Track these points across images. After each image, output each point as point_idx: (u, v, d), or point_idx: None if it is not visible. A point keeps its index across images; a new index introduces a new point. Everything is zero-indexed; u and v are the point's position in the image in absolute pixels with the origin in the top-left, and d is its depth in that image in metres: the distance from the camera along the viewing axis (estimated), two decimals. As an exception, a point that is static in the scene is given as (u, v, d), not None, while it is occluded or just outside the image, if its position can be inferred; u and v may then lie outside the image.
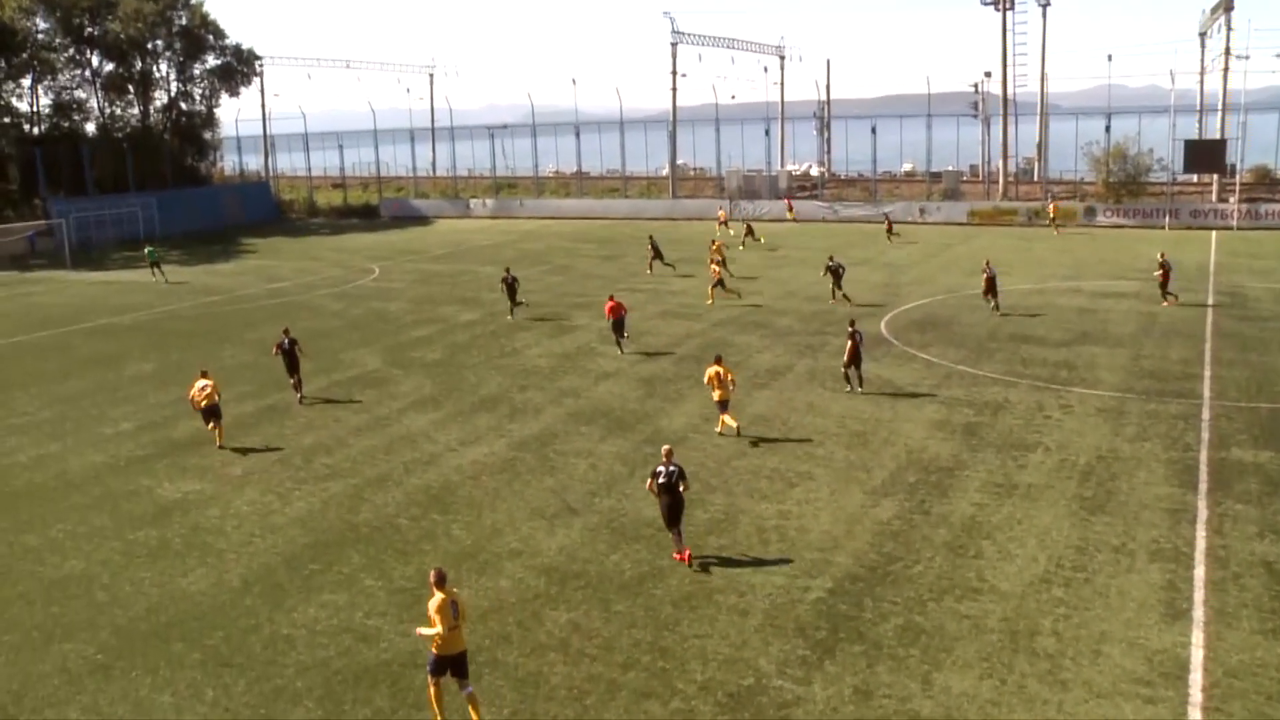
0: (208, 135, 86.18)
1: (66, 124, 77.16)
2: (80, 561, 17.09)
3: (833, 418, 23.45)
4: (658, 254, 46.70)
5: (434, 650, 12.09)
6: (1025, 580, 15.23)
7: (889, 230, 56.41)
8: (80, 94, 78.35)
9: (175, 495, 20.11)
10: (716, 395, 22.14)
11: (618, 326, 30.67)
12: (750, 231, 55.62)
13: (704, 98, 75.48)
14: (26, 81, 75.51)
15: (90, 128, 79.47)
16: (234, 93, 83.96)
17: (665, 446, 16.83)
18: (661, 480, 16.07)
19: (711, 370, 22.20)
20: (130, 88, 79.63)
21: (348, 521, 18.41)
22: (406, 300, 41.71)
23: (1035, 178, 71.99)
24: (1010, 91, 68.08)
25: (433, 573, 12.21)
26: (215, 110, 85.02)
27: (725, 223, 61.83)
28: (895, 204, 65.71)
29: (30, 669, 13.83)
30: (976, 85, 75.02)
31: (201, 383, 23.04)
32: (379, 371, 29.69)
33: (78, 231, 65.99)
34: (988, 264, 35.87)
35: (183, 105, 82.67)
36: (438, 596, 12.01)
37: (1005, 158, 67.91)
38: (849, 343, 25.10)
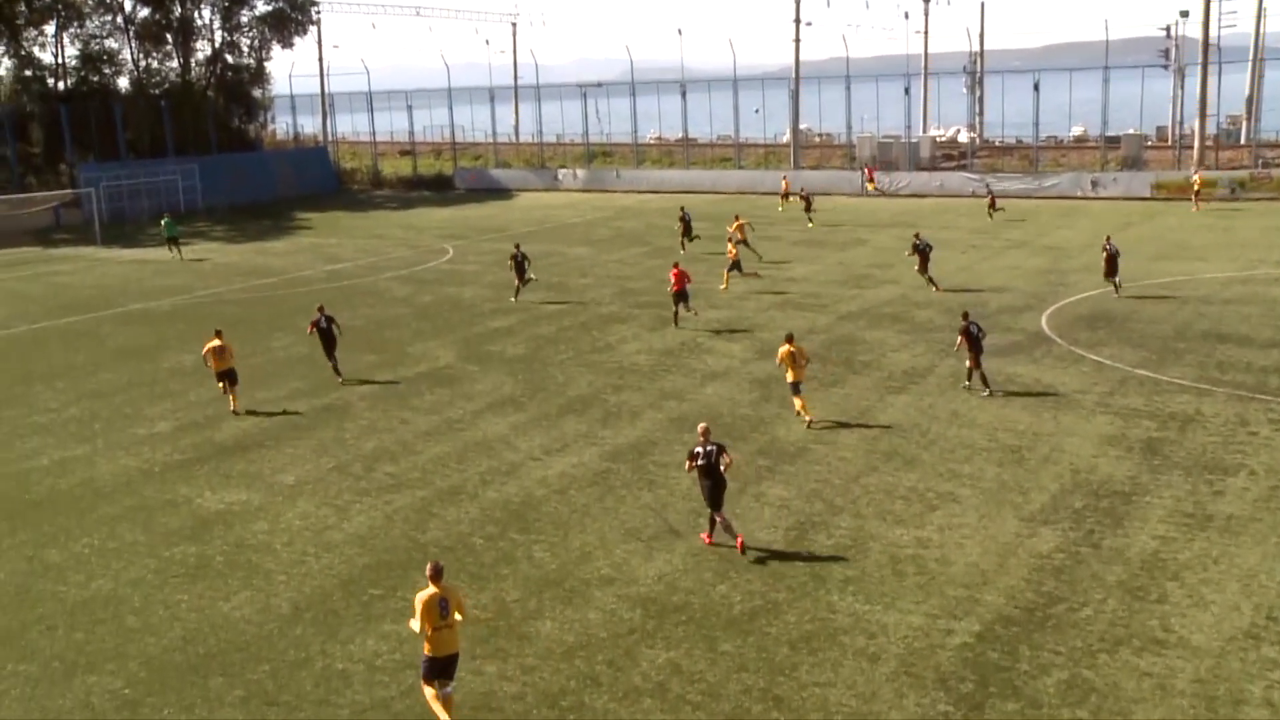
0: (257, 93, 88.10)
1: (96, 78, 79.65)
2: (108, 581, 17.70)
3: (981, 429, 23.04)
4: (688, 229, 48.12)
5: (425, 652, 13.07)
6: (1225, 634, 14.72)
7: (991, 205, 56.36)
8: (111, 44, 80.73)
9: (217, 506, 20.70)
10: (790, 376, 23.78)
11: (681, 297, 33.16)
12: (809, 205, 56.53)
13: (832, 50, 74.98)
14: (50, 29, 78.32)
15: (123, 83, 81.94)
16: (287, 43, 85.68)
17: (702, 425, 18.20)
18: (701, 462, 17.51)
19: (784, 349, 23.85)
20: (168, 37, 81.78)
21: (414, 540, 18.72)
22: (484, 285, 42.29)
23: (1243, 139, 69.64)
24: (1214, 34, 65.72)
25: (430, 565, 13.26)
26: (265, 64, 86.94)
27: (788, 195, 63.01)
28: (1061, 176, 64.28)
29: (49, 704, 14.31)
30: (1169, 29, 72.93)
31: (215, 343, 26.24)
32: (452, 367, 30.13)
33: (108, 202, 68.41)
34: (1109, 240, 36.55)
35: (228, 58, 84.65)
36: (428, 591, 13.01)
37: (1203, 117, 65.72)
38: (960, 338, 25.71)
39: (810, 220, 55.53)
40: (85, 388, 29.63)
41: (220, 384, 26.70)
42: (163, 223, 54.66)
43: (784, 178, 66.60)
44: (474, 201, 74.73)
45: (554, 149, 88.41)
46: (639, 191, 74.73)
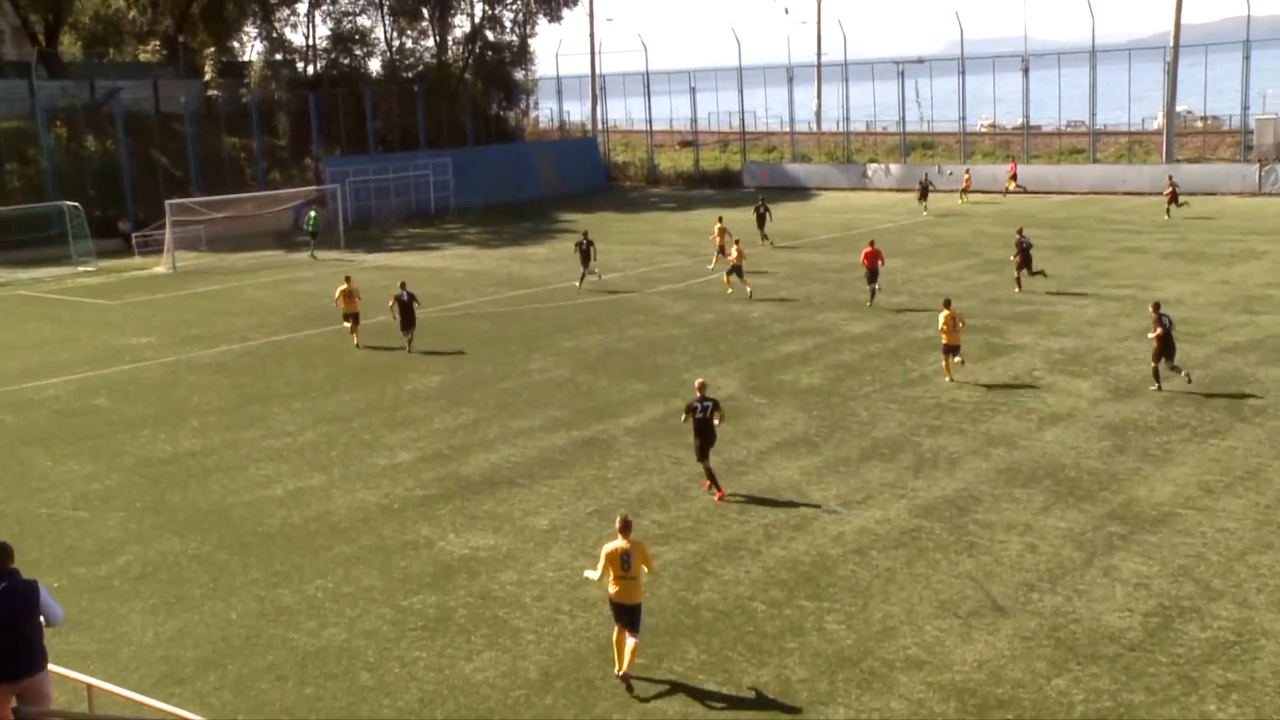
0: (519, 75, 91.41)
1: (347, 60, 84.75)
2: (341, 630, 18.71)
3: None
4: (762, 224, 51.51)
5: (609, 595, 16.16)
6: None
7: (1172, 199, 58.99)
8: (364, 21, 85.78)
9: (462, 551, 21.57)
10: (945, 340, 30.38)
11: (872, 276, 39.95)
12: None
13: (1224, 9, 71.63)
14: (303, 7, 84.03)
15: (374, 65, 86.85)
16: (555, 17, 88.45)
17: (699, 380, 23.90)
18: (698, 415, 22.87)
19: (944, 315, 30.40)
20: (424, 12, 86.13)
21: (683, 601, 18.97)
22: (774, 302, 42.52)
23: None
24: None
25: (620, 518, 16.30)
26: (529, 41, 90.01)
27: (1174, 199, 60.38)
28: None
29: (280, 760, 15.23)
30: None
31: (344, 287, 37.82)
32: (735, 399, 30.38)
33: (354, 200, 72.53)
34: (1020, 233, 41.96)
35: (488, 34, 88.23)
36: (615, 544, 16.01)
37: None
38: (1157, 329, 28.78)
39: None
40: (323, 410, 31.50)
41: (346, 323, 38.38)
42: (311, 215, 60.43)
43: (1169, 180, 62.29)
44: (745, 203, 74.95)
45: (862, 139, 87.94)
46: (965, 190, 73.54)
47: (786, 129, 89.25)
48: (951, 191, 72.35)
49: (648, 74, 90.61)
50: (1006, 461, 24.65)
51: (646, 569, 16.30)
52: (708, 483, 23.52)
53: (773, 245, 55.02)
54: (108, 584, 20.82)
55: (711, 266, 49.55)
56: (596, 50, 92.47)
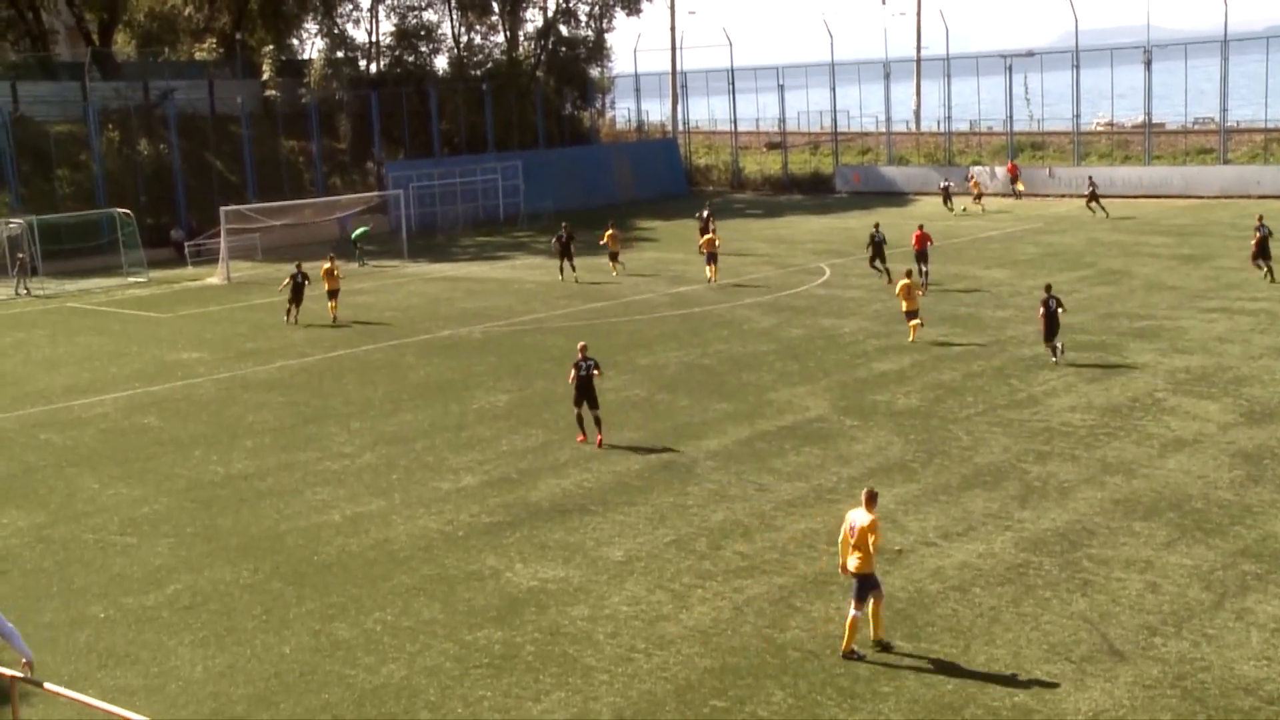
0: (594, 72, 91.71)
1: (411, 58, 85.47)
2: (401, 667, 18.74)
3: None
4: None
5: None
6: None
7: (1092, 199, 65.10)
8: (431, 16, 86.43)
9: (530, 583, 21.56)
10: (904, 306, 37.33)
11: (920, 257, 45.24)
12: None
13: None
14: (366, 2, 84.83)
15: (440, 63, 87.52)
16: (633, 10, 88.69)
17: (581, 343, 29.57)
18: (582, 374, 28.69)
19: (901, 283, 37.73)
20: (495, 6, 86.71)
21: (769, 640, 18.85)
22: (869, 317, 42.31)
23: None
24: None
25: (866, 490, 18.40)
26: (606, 36, 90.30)
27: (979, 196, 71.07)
28: None
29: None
30: None
31: (328, 265, 46.71)
32: (825, 420, 30.26)
33: (418, 206, 73.00)
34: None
35: (562, 29, 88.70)
36: (855, 512, 18.21)
37: None
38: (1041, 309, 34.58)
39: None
40: (383, 430, 31.69)
41: (331, 303, 46.52)
42: (359, 231, 62.83)
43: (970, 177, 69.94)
44: (859, 208, 75.04)
45: (965, 140, 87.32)
46: (1080, 195, 72.81)
47: (882, 129, 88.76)
48: (1049, 196, 71.78)
49: (732, 70, 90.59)
50: (1124, 491, 24.29)
51: (874, 540, 18.00)
52: (584, 433, 29.12)
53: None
54: (156, 615, 21.04)
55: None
56: (677, 45, 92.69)
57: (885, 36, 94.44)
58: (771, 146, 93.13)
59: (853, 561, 18.00)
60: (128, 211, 63.39)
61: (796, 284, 49.73)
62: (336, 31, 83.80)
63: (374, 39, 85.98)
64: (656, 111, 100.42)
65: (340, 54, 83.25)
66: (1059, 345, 34.33)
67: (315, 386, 36.81)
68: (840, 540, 18.27)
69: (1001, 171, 77.68)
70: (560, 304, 48.35)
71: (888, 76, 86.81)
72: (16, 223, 60.35)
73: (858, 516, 18.07)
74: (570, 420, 29.78)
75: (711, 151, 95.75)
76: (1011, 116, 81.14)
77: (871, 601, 18.11)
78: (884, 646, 18.16)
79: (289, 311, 46.73)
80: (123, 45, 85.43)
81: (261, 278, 59.93)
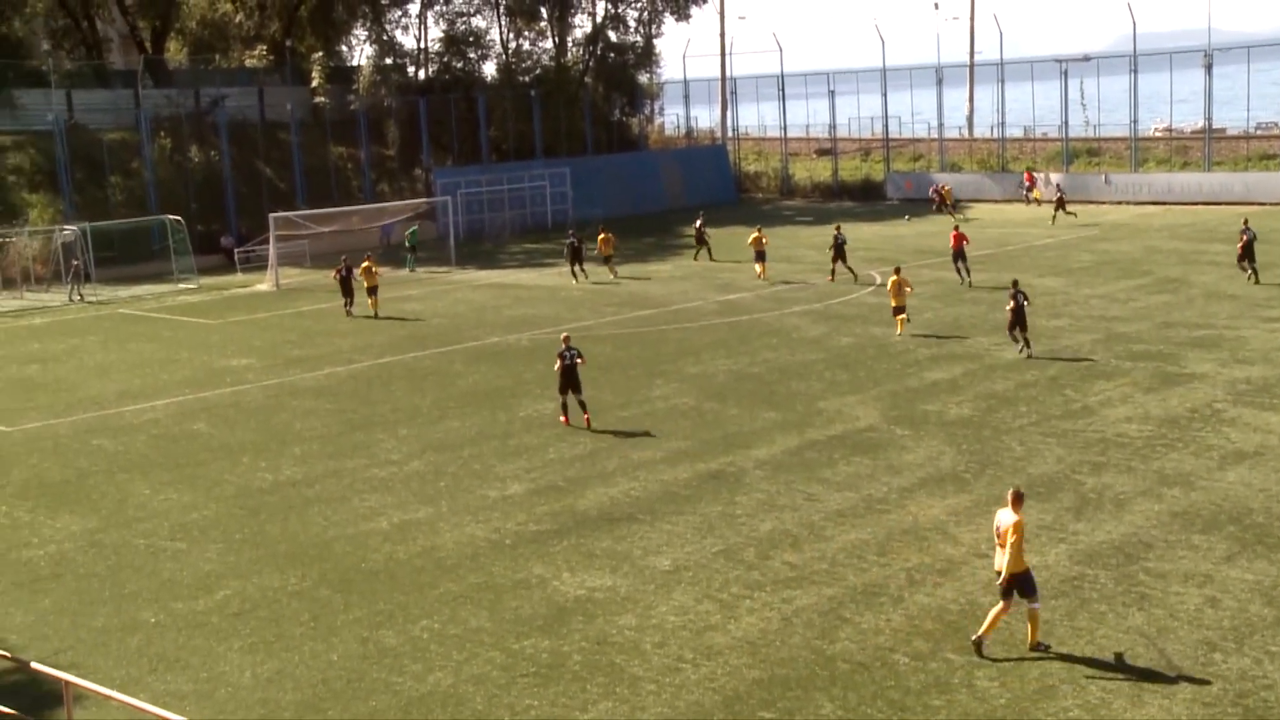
0: (643, 78, 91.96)
1: (460, 64, 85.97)
2: (448, 675, 18.81)
3: None
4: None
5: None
6: None
7: (1059, 206, 66.98)
8: (479, 22, 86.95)
9: (577, 592, 21.60)
10: (894, 302, 39.84)
11: (959, 256, 47.90)
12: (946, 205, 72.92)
13: None
14: (415, 7, 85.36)
15: (489, 69, 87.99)
16: (683, 15, 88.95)
17: (564, 333, 32.76)
18: (567, 362, 31.11)
19: (892, 279, 40.05)
20: (543, 11, 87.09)
21: (818, 651, 18.79)
22: (919, 325, 42.11)
23: None
24: None
25: (1012, 490, 18.80)
26: (655, 42, 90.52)
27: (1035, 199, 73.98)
28: None
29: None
30: None
31: (367, 264, 49.93)
32: (875, 430, 30.18)
33: (466, 213, 73.29)
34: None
35: (611, 35, 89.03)
36: (1003, 511, 18.60)
37: None
38: (1010, 303, 36.58)
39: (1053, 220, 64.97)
40: (430, 437, 31.83)
41: (370, 299, 50.00)
42: (409, 232, 63.46)
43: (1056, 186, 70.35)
44: (910, 215, 74.76)
45: (1019, 146, 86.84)
46: (1137, 203, 72.30)
47: (934, 136, 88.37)
48: (1105, 204, 71.33)
49: (782, 76, 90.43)
50: (1182, 504, 24.10)
51: (1013, 539, 18.22)
52: (567, 415, 31.79)
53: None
54: (206, 620, 21.21)
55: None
56: (727, 51, 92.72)
57: (938, 42, 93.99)
58: (821, 153, 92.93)
59: (1001, 560, 18.38)
60: (179, 218, 63.95)
61: (846, 292, 49.60)
62: (385, 38, 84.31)
63: (423, 45, 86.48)
64: (706, 118, 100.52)
65: (389, 60, 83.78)
66: (1027, 340, 36.61)
67: (363, 393, 36.99)
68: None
69: (1056, 178, 77.21)
70: (608, 311, 48.41)
71: (940, 82, 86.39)
72: (70, 230, 61.10)
73: (1004, 517, 18.46)
74: (619, 428, 29.89)
75: (761, 158, 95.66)
76: (1067, 122, 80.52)
77: (1025, 604, 18.45)
78: (1040, 648, 18.46)
79: (346, 304, 50.45)
80: (174, 53, 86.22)
81: (310, 284, 60.32)
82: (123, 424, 34.76)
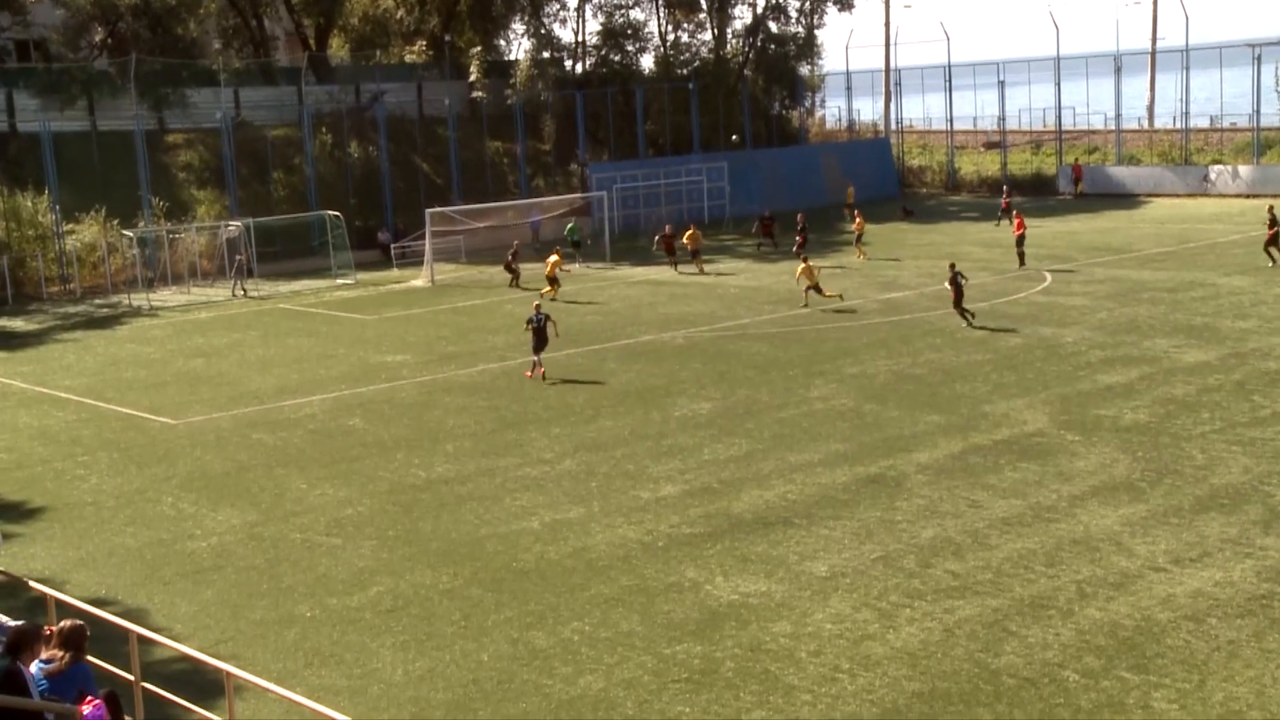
0: (804, 70, 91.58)
1: (617, 57, 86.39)
2: (598, 679, 18.82)
3: None
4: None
5: None
6: None
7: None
8: (638, 14, 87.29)
9: (730, 597, 21.47)
10: (804, 284, 46.54)
11: (1021, 240, 52.67)
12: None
13: None
14: (573, 1, 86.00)
15: (646, 62, 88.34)
16: (846, 6, 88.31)
17: (536, 302, 37.54)
18: (535, 325, 37.35)
19: (800, 267, 46.97)
20: (702, 3, 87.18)
21: (981, 664, 18.46)
22: (1093, 326, 41.30)
23: None
24: None
25: None
26: (817, 32, 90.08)
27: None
28: None
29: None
30: None
31: (554, 258, 53.22)
32: (1044, 435, 29.64)
33: (621, 208, 73.53)
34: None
35: (772, 26, 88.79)
36: None
37: None
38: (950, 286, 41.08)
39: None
40: (583, 436, 31.92)
41: (552, 289, 51.91)
42: (569, 228, 63.99)
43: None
44: (1084, 211, 73.45)
45: (1204, 138, 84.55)
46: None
47: (1111, 127, 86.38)
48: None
49: (949, 66, 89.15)
50: (1373, 516, 23.29)
51: None
52: (534, 371, 37.70)
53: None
54: (359, 616, 21.52)
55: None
56: (892, 41, 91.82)
57: (1117, 28, 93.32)
58: (990, 146, 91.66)
59: None
60: (338, 214, 65.12)
61: (1014, 290, 48.80)
62: (543, 32, 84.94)
63: (580, 39, 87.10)
64: (869, 110, 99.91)
65: (546, 54, 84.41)
66: (968, 310, 41.66)
67: (515, 391, 37.24)
68: None
69: (1246, 171, 75.03)
70: (765, 309, 48.18)
71: (1119, 71, 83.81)
72: (235, 225, 62.64)
73: None
74: (776, 429, 29.63)
75: (926, 152, 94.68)
76: (1259, 111, 78.02)
77: None
78: None
79: (512, 281, 56.84)
80: (337, 49, 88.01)
81: (465, 280, 61.01)
82: (281, 418, 35.42)
